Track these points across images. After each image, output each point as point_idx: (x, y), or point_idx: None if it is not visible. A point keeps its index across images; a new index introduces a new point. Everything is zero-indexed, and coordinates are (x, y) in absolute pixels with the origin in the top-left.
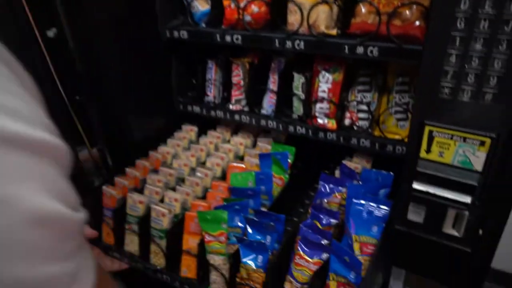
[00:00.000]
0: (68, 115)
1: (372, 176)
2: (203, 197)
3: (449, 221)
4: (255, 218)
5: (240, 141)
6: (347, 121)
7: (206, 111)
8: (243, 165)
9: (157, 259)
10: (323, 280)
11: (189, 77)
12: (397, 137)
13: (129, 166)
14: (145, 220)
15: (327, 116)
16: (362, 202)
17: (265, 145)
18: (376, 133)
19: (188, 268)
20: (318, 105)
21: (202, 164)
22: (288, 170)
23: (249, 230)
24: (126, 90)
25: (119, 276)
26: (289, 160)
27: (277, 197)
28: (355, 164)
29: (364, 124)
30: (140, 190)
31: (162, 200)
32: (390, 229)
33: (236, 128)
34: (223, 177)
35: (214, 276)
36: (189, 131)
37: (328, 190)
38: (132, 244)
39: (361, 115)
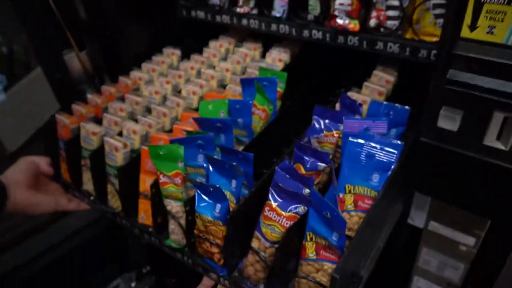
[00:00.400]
0: (50, 11)
1: (382, 110)
2: (171, 131)
3: (494, 129)
4: (217, 157)
5: (227, 67)
6: (372, 22)
7: (211, 16)
8: (224, 94)
9: (114, 201)
10: (300, 239)
11: None
12: (434, 39)
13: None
14: (98, 155)
15: (348, 15)
16: (361, 141)
17: (254, 72)
18: (408, 35)
19: (146, 213)
20: (338, 1)
21: (178, 92)
22: (277, 100)
23: (212, 171)
24: None
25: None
26: (278, 89)
27: (258, 133)
28: (364, 96)
29: (393, 24)
30: (101, 120)
31: (121, 133)
32: (414, 142)
33: (243, 39)
34: None
35: (172, 225)
36: (170, 54)
37: (322, 126)
38: (89, 182)
39: (390, 12)
